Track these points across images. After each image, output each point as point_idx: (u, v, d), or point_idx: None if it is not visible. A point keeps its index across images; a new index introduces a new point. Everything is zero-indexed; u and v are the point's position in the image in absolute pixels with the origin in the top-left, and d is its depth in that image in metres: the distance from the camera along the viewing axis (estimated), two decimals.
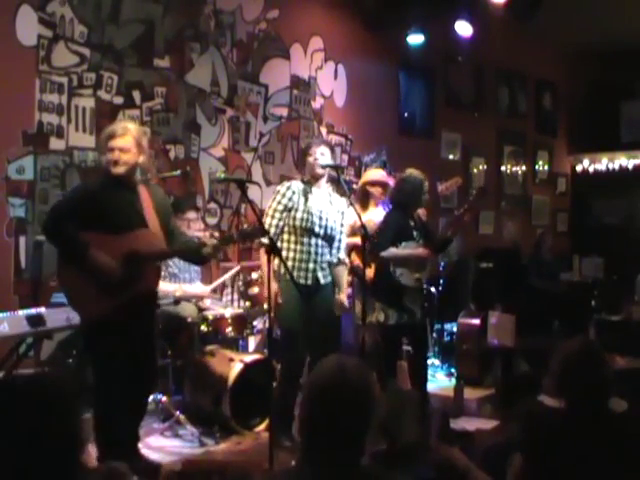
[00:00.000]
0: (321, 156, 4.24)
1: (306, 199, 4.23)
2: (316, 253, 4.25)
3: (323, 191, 4.34)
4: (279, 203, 4.23)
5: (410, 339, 4.83)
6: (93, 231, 3.40)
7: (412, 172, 4.68)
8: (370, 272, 4.93)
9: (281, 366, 4.33)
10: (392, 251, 4.47)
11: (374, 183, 5.26)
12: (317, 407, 1.73)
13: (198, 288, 4.90)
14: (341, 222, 4.41)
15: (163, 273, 4.74)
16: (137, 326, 3.53)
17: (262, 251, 4.16)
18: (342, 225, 4.43)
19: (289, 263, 4.12)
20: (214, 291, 5.18)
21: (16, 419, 1.43)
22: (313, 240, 4.23)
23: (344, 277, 4.47)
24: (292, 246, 4.21)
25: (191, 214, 4.98)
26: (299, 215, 4.20)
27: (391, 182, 5.36)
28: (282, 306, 4.13)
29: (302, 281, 4.19)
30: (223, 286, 5.51)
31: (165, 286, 4.74)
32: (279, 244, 4.13)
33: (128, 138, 3.47)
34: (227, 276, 5.23)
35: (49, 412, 1.45)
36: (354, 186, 5.99)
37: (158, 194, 3.73)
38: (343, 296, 4.41)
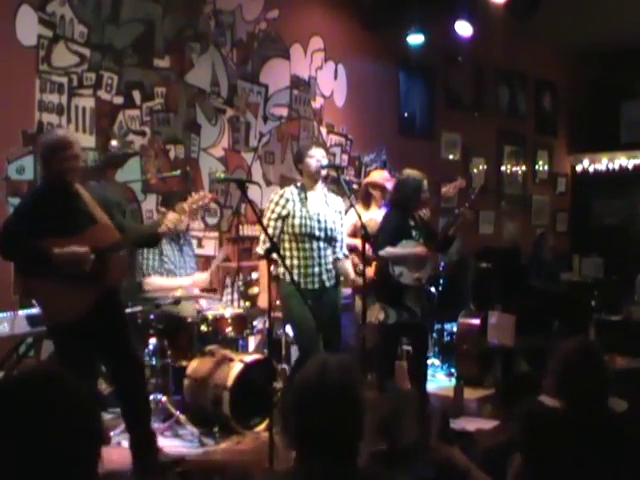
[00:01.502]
0: (322, 158, 4.25)
1: (302, 204, 4.21)
2: (319, 256, 4.23)
3: (319, 193, 4.32)
4: (273, 212, 4.22)
5: (410, 339, 4.84)
6: (47, 237, 3.38)
7: (410, 173, 4.68)
8: (370, 271, 4.94)
9: (295, 366, 4.33)
10: (388, 250, 4.48)
11: (374, 185, 5.27)
12: (299, 408, 1.73)
13: (197, 278, 4.91)
14: (340, 222, 4.39)
15: (159, 270, 4.76)
16: (105, 324, 3.53)
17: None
18: (342, 225, 4.42)
19: (294, 271, 4.11)
20: (213, 291, 5.19)
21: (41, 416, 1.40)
22: (315, 244, 4.21)
23: (349, 267, 4.49)
24: (294, 253, 4.19)
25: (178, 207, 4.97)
26: (297, 221, 4.17)
27: (390, 186, 5.36)
28: (292, 311, 4.14)
29: (309, 286, 4.18)
30: (223, 286, 5.51)
31: (163, 281, 4.74)
32: (281, 252, 4.10)
33: (77, 146, 3.50)
34: (219, 257, 5.26)
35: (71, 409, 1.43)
36: (354, 186, 5.99)
37: (96, 190, 3.73)
38: (354, 276, 4.45)
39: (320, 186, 4.34)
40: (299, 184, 4.32)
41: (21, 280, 3.51)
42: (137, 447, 3.67)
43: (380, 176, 5.41)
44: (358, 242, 4.64)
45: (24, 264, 3.45)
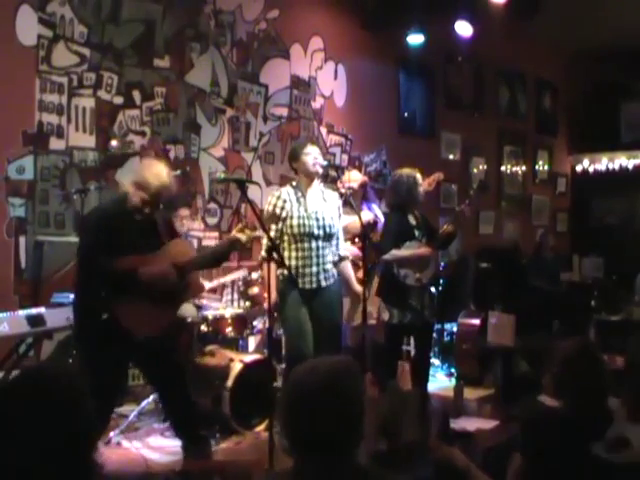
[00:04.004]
0: (319, 156, 4.22)
1: (299, 204, 4.19)
2: (317, 256, 4.17)
3: (315, 190, 4.27)
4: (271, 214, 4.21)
5: (415, 339, 4.84)
6: (125, 254, 3.41)
7: (402, 172, 4.68)
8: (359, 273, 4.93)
9: (285, 367, 4.33)
10: (393, 253, 4.47)
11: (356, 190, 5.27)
12: (289, 411, 1.74)
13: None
14: (338, 217, 4.34)
15: None
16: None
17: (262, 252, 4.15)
18: (339, 219, 4.35)
19: (292, 271, 4.09)
20: (213, 291, 5.18)
21: (27, 414, 1.42)
22: (313, 243, 4.17)
23: (349, 270, 4.50)
24: (293, 253, 4.15)
25: (183, 211, 4.98)
26: (295, 222, 4.13)
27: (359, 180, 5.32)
28: (285, 308, 4.13)
29: (307, 286, 4.13)
30: (223, 286, 5.51)
31: None
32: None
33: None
34: (229, 278, 5.24)
35: (60, 406, 1.44)
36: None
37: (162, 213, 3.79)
38: (357, 286, 4.49)
39: (316, 183, 4.31)
40: (294, 183, 4.28)
41: (96, 298, 3.41)
42: (188, 450, 3.70)
43: (356, 180, 5.36)
44: (350, 247, 4.66)
45: (110, 283, 3.39)
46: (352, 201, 4.43)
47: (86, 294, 3.48)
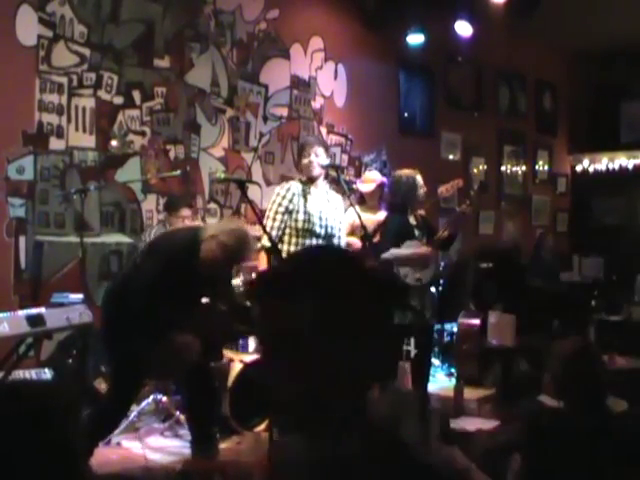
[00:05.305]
0: (316, 157, 4.23)
1: (305, 200, 4.22)
2: None
3: (320, 190, 4.32)
4: (280, 205, 4.21)
5: (415, 339, 4.84)
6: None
7: (401, 173, 4.68)
8: None
9: None
10: (392, 252, 4.47)
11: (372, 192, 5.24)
12: None
13: None
14: (339, 220, 4.37)
15: None
16: None
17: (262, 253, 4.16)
18: (340, 222, 4.39)
19: None
20: None
21: (13, 428, 1.41)
22: (314, 241, 4.21)
23: None
24: (293, 248, 4.18)
25: (185, 212, 4.97)
26: (300, 217, 4.17)
27: (363, 188, 5.29)
28: None
29: None
30: None
31: None
32: (280, 246, 4.12)
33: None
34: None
35: (47, 422, 1.44)
36: (354, 186, 5.98)
37: None
38: None
39: (322, 183, 4.34)
40: (302, 179, 4.35)
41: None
42: (193, 447, 3.72)
43: (374, 180, 5.34)
44: (354, 240, 4.65)
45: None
46: (352, 200, 4.45)
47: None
